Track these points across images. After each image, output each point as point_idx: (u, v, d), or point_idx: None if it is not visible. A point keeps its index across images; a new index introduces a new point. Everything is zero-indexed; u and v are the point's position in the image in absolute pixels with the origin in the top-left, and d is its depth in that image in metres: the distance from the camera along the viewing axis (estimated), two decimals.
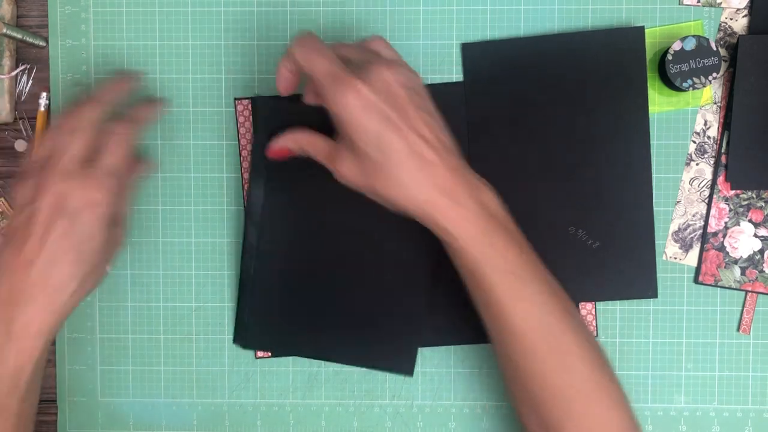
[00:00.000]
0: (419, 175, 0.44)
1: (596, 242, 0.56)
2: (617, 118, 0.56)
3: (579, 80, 0.56)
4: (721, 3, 0.56)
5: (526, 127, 0.56)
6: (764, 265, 0.56)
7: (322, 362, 0.58)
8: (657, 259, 0.57)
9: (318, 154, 0.49)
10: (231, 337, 0.58)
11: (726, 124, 0.56)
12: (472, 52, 0.56)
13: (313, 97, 0.50)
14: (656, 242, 0.56)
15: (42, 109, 0.57)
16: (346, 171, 0.46)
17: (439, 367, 0.58)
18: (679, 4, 0.56)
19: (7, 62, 0.57)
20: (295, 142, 0.50)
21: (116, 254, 0.52)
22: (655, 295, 0.56)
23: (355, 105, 0.43)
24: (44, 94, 0.57)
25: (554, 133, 0.56)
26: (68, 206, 0.45)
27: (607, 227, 0.56)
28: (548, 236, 0.56)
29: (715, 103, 0.56)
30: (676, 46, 0.53)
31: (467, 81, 0.56)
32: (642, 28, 0.55)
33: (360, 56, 0.47)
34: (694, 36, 0.53)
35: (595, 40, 0.55)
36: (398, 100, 0.44)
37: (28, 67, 0.58)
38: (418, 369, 0.58)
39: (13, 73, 0.57)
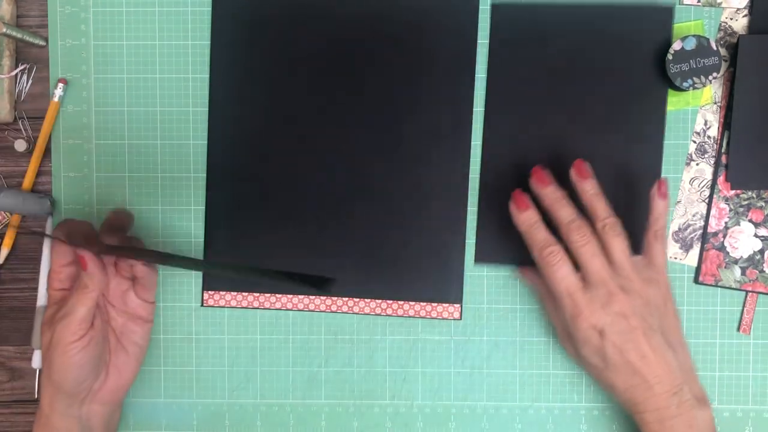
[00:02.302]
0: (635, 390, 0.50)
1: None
2: (635, 94, 0.56)
3: (602, 53, 0.56)
4: (721, 3, 0.56)
5: (544, 91, 0.56)
6: (764, 265, 0.56)
7: (322, 362, 0.58)
8: None
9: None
10: (230, 337, 0.58)
11: (726, 124, 0.56)
12: (500, 14, 0.56)
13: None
14: None
15: (55, 99, 0.57)
16: (568, 348, 0.53)
17: (440, 367, 0.58)
18: (679, 4, 0.56)
19: (7, 62, 0.57)
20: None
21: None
22: None
23: (589, 332, 0.49)
24: (61, 85, 0.57)
25: (571, 101, 0.56)
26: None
27: (615, 203, 0.56)
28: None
29: (715, 103, 0.56)
30: (677, 45, 0.53)
31: (492, 41, 0.56)
32: (671, 9, 0.55)
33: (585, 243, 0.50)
34: (694, 36, 0.53)
35: (623, 14, 0.56)
36: (632, 329, 0.49)
37: (28, 67, 0.58)
38: (417, 369, 0.58)
39: (13, 73, 0.57)
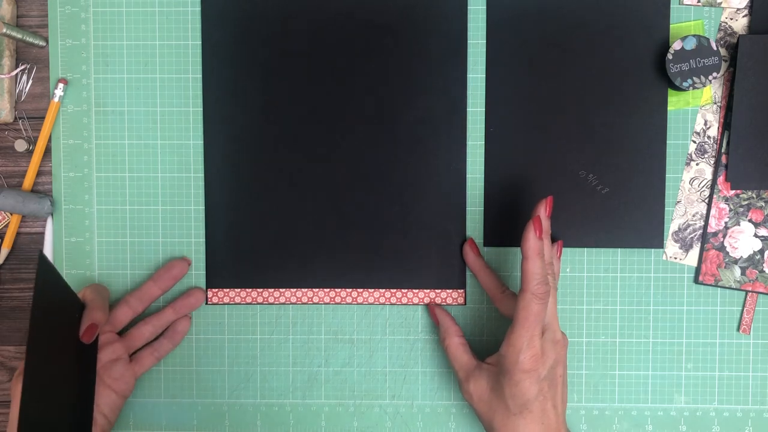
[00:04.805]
0: None
1: (606, 188, 0.56)
2: (636, 66, 0.56)
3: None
4: (721, 3, 0.56)
5: (544, 66, 0.56)
6: (764, 265, 0.56)
7: (322, 362, 0.58)
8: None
9: (456, 363, 0.53)
10: (230, 337, 0.58)
11: (726, 124, 0.56)
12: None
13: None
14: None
15: (55, 99, 0.57)
16: (474, 392, 0.51)
17: (440, 367, 0.58)
18: (679, 4, 0.56)
19: (7, 62, 0.57)
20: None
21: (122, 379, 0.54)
22: (661, 245, 0.56)
23: (530, 376, 0.48)
24: (61, 85, 0.57)
25: (572, 75, 0.56)
26: None
27: (619, 174, 0.56)
28: (558, 178, 0.56)
29: (715, 103, 0.56)
30: (677, 45, 0.53)
31: (490, 14, 0.56)
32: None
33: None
34: (694, 35, 0.53)
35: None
36: (556, 378, 0.50)
37: (28, 67, 0.58)
38: (417, 369, 0.58)
39: (13, 73, 0.57)
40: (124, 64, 0.57)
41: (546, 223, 0.49)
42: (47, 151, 0.58)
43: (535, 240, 0.48)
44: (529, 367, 0.48)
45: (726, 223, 0.56)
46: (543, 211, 0.49)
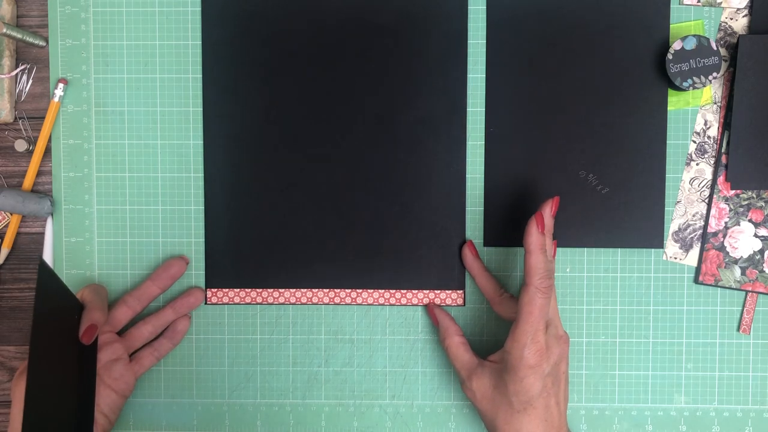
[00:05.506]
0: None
1: (606, 188, 0.56)
2: (636, 66, 0.56)
3: (601, 25, 0.56)
4: (721, 3, 0.56)
5: (544, 66, 0.56)
6: (764, 265, 0.56)
7: (322, 362, 0.58)
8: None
9: (458, 363, 0.53)
10: (230, 337, 0.58)
11: (726, 124, 0.56)
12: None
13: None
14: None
15: (55, 99, 0.57)
16: (477, 390, 0.51)
17: (440, 367, 0.58)
18: (679, 4, 0.56)
19: (7, 62, 0.57)
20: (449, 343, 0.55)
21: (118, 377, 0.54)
22: (661, 245, 0.56)
23: (534, 371, 0.48)
24: (61, 85, 0.57)
25: (572, 75, 0.56)
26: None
27: (619, 174, 0.56)
28: (558, 178, 0.56)
29: (715, 103, 0.56)
30: (677, 45, 0.53)
31: (490, 14, 0.56)
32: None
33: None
34: (694, 35, 0.53)
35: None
36: (559, 375, 0.50)
37: (28, 67, 0.58)
38: (417, 369, 0.58)
39: (13, 73, 0.57)
40: (124, 64, 0.57)
41: (549, 222, 0.50)
42: (47, 151, 0.58)
43: (538, 234, 0.48)
44: (533, 362, 0.48)
45: (726, 223, 0.56)
46: (548, 209, 0.49)
